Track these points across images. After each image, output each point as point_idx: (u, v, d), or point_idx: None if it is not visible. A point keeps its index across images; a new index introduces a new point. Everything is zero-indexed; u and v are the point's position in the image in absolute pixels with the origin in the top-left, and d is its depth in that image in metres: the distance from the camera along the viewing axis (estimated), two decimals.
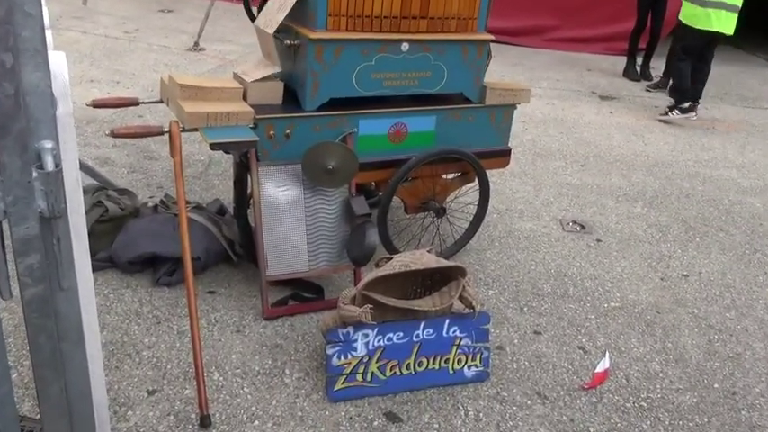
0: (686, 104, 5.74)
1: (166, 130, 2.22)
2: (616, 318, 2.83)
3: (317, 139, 2.56)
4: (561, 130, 5.39)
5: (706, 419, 2.28)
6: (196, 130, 2.32)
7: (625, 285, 3.10)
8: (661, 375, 2.48)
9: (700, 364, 2.58)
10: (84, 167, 3.11)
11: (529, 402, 2.27)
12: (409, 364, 2.24)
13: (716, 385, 2.46)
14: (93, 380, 1.27)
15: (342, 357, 2.17)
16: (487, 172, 3.01)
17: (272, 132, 2.51)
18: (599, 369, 2.45)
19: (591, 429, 2.18)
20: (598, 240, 3.54)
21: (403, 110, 2.75)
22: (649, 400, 2.34)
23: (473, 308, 2.26)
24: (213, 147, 2.27)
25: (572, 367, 2.47)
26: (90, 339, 1.26)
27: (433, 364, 2.28)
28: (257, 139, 2.34)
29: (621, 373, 2.47)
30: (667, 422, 2.25)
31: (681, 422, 2.25)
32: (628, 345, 2.65)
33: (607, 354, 2.55)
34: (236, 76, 2.68)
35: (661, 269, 3.29)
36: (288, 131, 2.54)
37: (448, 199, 3.11)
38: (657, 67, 7.32)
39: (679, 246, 3.56)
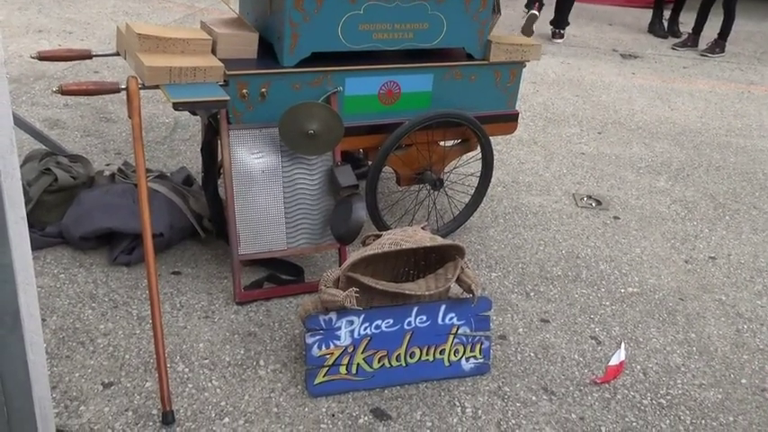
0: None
1: (123, 87, 2.19)
2: (634, 305, 2.84)
3: (297, 100, 2.53)
4: (577, 92, 5.37)
5: (732, 418, 2.30)
6: (157, 87, 2.29)
7: (645, 268, 3.11)
8: (683, 369, 2.50)
9: (726, 356, 2.59)
10: (30, 130, 3.08)
11: (534, 398, 2.28)
12: (399, 355, 2.25)
13: (744, 380, 2.48)
14: (34, 371, 1.26)
15: (323, 347, 2.17)
16: (492, 139, 3.00)
17: (245, 91, 2.48)
18: (613, 362, 2.47)
19: (603, 429, 2.20)
20: (615, 218, 3.54)
21: (395, 67, 2.72)
22: (669, 397, 2.36)
23: (472, 292, 2.26)
24: (177, 107, 2.25)
25: (583, 360, 2.48)
26: (29, 325, 1.24)
27: (427, 355, 2.28)
28: (228, 98, 2.32)
29: (638, 367, 2.49)
30: (689, 421, 2.26)
31: (704, 421, 2.27)
32: (646, 335, 2.66)
33: (623, 345, 2.56)
34: (204, 26, 2.64)
35: (685, 251, 3.30)
36: (263, 90, 2.51)
37: (446, 169, 3.09)
38: (687, 22, 7.29)
39: (706, 225, 3.57)
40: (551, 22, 6.83)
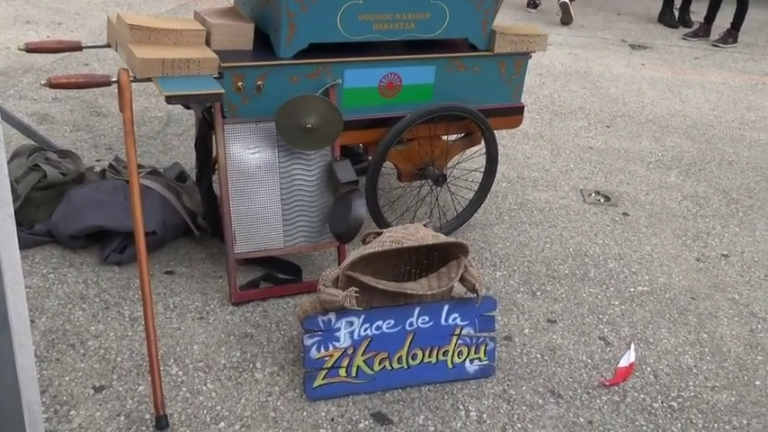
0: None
1: (114, 79, 2.19)
2: (644, 304, 2.84)
3: (295, 92, 2.53)
4: (584, 84, 5.36)
5: (745, 421, 2.30)
6: (150, 80, 2.28)
7: (655, 267, 3.10)
8: (694, 371, 2.50)
9: (739, 357, 2.59)
10: (18, 124, 3.08)
11: (540, 402, 2.28)
12: (401, 356, 2.24)
13: (757, 382, 2.48)
14: (23, 374, 1.26)
15: (322, 349, 2.16)
16: (496, 133, 2.99)
17: (240, 83, 2.48)
18: (623, 363, 2.46)
19: None
20: (625, 214, 3.53)
21: (396, 58, 2.71)
22: (680, 400, 2.36)
23: (476, 292, 2.25)
24: (170, 100, 2.24)
25: (591, 361, 2.48)
26: (18, 326, 1.24)
27: (430, 357, 2.28)
28: (223, 91, 2.31)
29: (649, 369, 2.48)
30: (701, 425, 2.26)
31: (716, 424, 2.27)
32: (657, 335, 2.66)
33: (632, 346, 2.56)
34: (197, 17, 2.63)
35: (697, 248, 3.30)
36: (259, 83, 2.51)
37: (449, 165, 3.09)
38: (698, 11, 7.28)
39: (719, 221, 3.57)
40: None
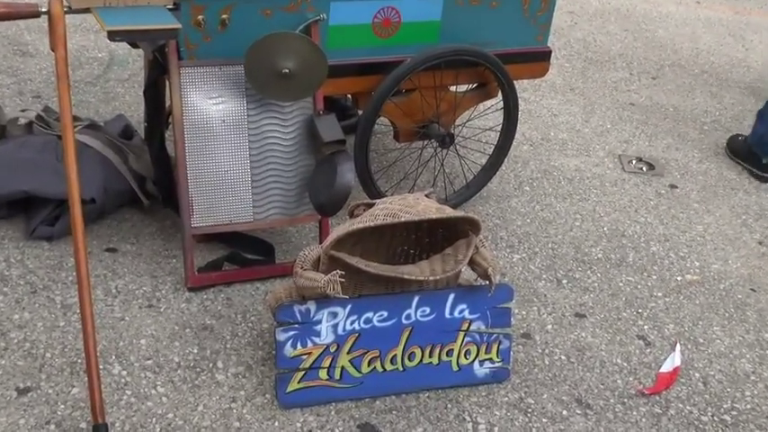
0: None
1: (44, 10, 2.17)
2: (693, 297, 2.85)
3: (268, 29, 2.51)
4: (626, 25, 5.34)
5: None
6: (88, 10, 2.26)
7: (708, 251, 3.12)
8: (753, 378, 2.52)
9: None
10: None
11: (565, 413, 2.30)
12: (395, 356, 2.25)
13: None
14: None
15: (299, 345, 2.17)
16: (517, 84, 2.99)
17: (201, 17, 2.46)
18: (666, 368, 2.48)
19: None
20: (672, 186, 3.54)
21: None
22: (735, 413, 2.38)
23: (489, 278, 2.26)
24: (113, 36, 2.23)
25: (628, 365, 2.50)
26: None
27: (430, 357, 2.29)
28: (179, 26, 2.29)
29: (697, 375, 2.50)
30: None
31: None
32: (708, 335, 2.68)
33: (678, 347, 2.57)
34: None
35: (760, 229, 3.31)
36: (224, 16, 2.49)
37: (458, 122, 3.08)
38: None
39: None
40: None
